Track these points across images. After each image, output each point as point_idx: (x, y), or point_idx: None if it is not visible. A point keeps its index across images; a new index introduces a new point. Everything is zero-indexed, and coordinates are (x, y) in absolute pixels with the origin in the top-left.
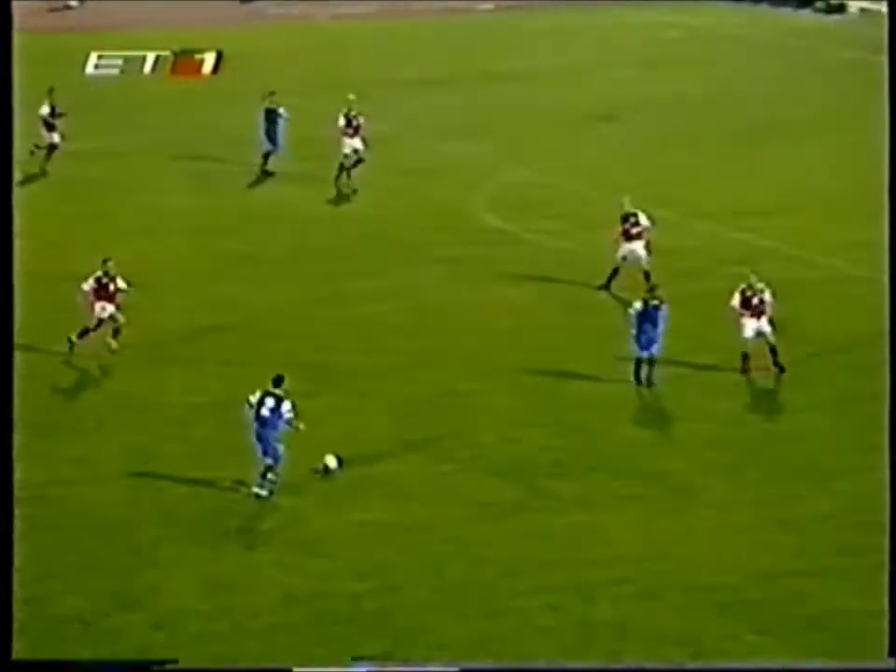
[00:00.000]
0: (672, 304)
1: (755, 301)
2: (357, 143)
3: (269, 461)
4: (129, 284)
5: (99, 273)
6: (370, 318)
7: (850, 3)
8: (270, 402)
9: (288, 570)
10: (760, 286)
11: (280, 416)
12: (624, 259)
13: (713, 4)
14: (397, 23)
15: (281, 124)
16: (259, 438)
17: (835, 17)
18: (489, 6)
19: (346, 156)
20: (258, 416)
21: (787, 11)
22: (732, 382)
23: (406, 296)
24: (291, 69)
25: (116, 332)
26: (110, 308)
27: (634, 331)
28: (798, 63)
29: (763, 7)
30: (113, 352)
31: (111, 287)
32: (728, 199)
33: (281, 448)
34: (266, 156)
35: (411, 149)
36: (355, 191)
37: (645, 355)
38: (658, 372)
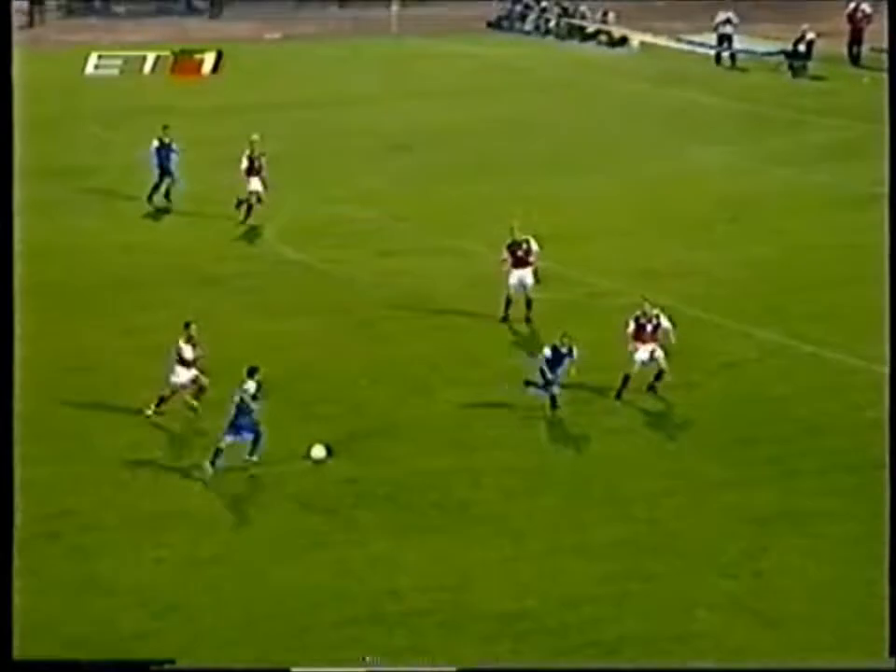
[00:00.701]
0: (469, 334)
1: (649, 327)
2: (257, 184)
3: (245, 439)
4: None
5: (183, 338)
6: (163, 350)
7: (632, 36)
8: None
9: (75, 610)
10: (654, 312)
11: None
12: (517, 287)
13: (502, 36)
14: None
15: (174, 158)
16: (234, 424)
17: (619, 50)
18: (276, 35)
19: (250, 194)
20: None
21: (573, 44)
22: (531, 409)
23: (200, 327)
24: (82, 96)
25: (200, 391)
26: (190, 374)
27: (543, 369)
28: (584, 96)
29: (550, 40)
30: (194, 410)
31: (192, 352)
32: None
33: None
34: (156, 188)
35: (203, 179)
36: (254, 228)
37: (545, 395)
38: (457, 400)
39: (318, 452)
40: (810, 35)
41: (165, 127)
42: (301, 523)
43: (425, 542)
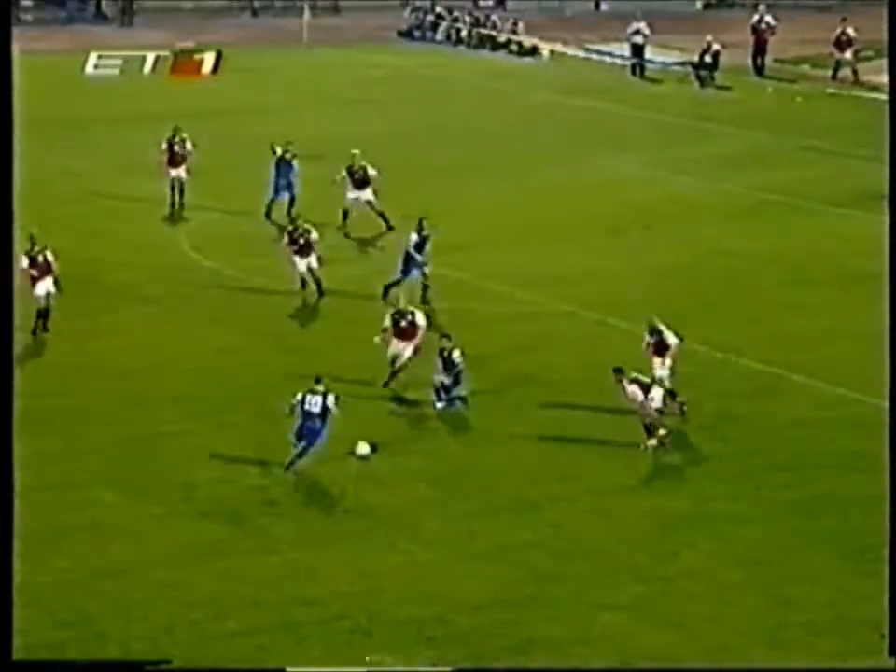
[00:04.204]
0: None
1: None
2: (368, 195)
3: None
4: None
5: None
6: (74, 361)
7: (542, 46)
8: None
9: None
10: (661, 327)
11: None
12: None
13: (414, 45)
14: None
15: (293, 174)
16: (302, 429)
17: (528, 59)
18: (188, 44)
19: (352, 204)
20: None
21: (484, 54)
22: (442, 416)
23: (113, 336)
24: None
25: None
26: None
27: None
28: (495, 104)
29: (461, 49)
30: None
31: None
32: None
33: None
34: (271, 203)
35: (103, 186)
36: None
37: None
38: (365, 408)
39: (363, 449)
40: (716, 47)
41: (289, 143)
42: (208, 533)
43: (337, 549)
